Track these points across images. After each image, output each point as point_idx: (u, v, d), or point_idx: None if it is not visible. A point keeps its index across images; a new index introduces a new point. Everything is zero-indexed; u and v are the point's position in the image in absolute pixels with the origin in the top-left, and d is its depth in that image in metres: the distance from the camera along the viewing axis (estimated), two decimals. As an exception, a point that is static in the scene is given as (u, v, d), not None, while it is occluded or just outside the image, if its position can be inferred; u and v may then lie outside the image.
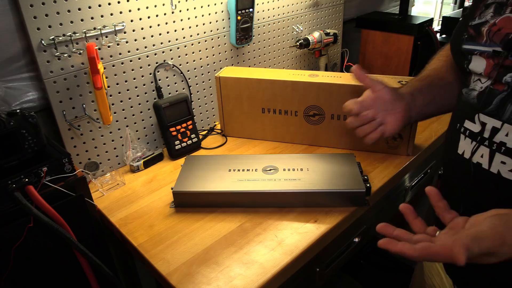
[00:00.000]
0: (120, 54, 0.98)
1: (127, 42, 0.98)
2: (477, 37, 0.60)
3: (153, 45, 1.04)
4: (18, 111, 0.70)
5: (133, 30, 0.98)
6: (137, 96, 1.05)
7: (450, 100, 0.78)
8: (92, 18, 0.90)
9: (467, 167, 0.62)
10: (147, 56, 1.04)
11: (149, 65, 1.05)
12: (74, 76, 0.91)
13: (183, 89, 1.16)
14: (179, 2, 1.05)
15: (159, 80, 1.09)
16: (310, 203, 0.86)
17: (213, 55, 1.20)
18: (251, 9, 1.17)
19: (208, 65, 1.19)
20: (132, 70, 1.02)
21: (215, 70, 1.21)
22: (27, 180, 0.68)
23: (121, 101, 1.02)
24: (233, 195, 0.86)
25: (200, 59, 1.17)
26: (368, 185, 0.87)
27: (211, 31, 1.16)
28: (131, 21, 0.97)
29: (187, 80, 1.16)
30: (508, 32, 0.55)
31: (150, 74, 1.06)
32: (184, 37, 1.10)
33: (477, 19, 0.61)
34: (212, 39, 1.17)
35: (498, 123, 0.56)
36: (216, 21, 1.16)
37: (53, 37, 0.85)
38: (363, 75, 0.74)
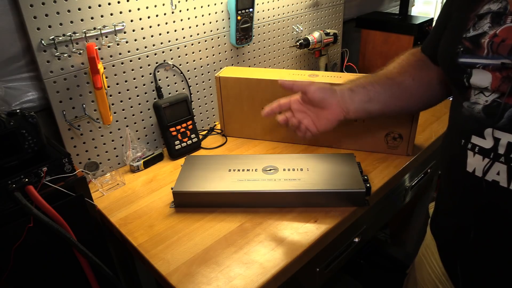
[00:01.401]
0: (120, 54, 0.98)
1: (127, 42, 0.98)
2: (476, 50, 0.57)
3: (153, 45, 1.04)
4: (18, 111, 0.70)
5: (133, 30, 0.98)
6: (137, 96, 1.05)
7: (396, 102, 0.79)
8: (92, 18, 0.90)
9: (479, 185, 0.58)
10: (147, 56, 1.04)
11: (149, 65, 1.05)
12: (74, 76, 0.91)
13: (183, 89, 1.16)
14: (179, 2, 1.05)
15: (159, 80, 1.09)
16: (310, 203, 0.86)
17: (213, 55, 1.20)
18: (251, 9, 1.17)
19: (208, 65, 1.19)
20: (132, 70, 1.02)
21: (215, 70, 1.21)
22: (27, 180, 0.68)
23: (121, 101, 1.02)
24: (233, 195, 0.86)
25: (200, 59, 1.17)
26: (368, 185, 0.87)
27: (211, 31, 1.16)
28: (131, 21, 0.97)
29: (187, 80, 1.16)
30: None
31: (150, 74, 1.06)
32: (184, 37, 1.10)
33: (472, 30, 0.58)
34: (212, 39, 1.17)
35: None
36: (216, 21, 1.16)
37: (53, 37, 0.85)
38: (289, 84, 0.78)
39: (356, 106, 0.78)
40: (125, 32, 0.97)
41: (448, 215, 0.70)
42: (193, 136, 1.12)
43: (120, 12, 0.94)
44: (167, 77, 1.11)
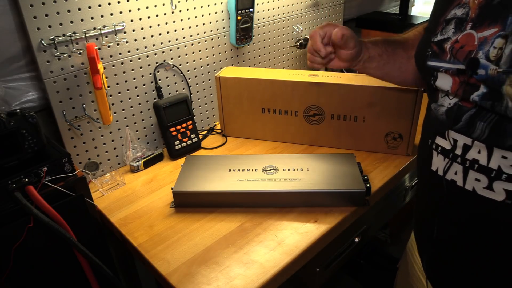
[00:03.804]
0: (120, 54, 0.98)
1: (127, 42, 0.98)
2: (441, 54, 0.59)
3: (153, 45, 1.04)
4: (18, 111, 0.69)
5: (133, 30, 0.98)
6: (137, 96, 1.05)
7: (395, 71, 0.84)
8: (92, 18, 0.90)
9: (440, 184, 0.61)
10: (147, 56, 1.04)
11: (149, 65, 1.05)
12: (74, 76, 0.91)
13: (183, 89, 1.16)
14: (179, 2, 1.05)
15: (159, 80, 1.09)
16: (310, 203, 0.86)
17: (213, 55, 1.20)
18: (251, 9, 1.17)
19: (208, 65, 1.19)
20: (132, 70, 1.02)
21: (215, 70, 1.21)
22: (27, 180, 0.68)
23: (121, 101, 1.02)
24: (233, 195, 0.86)
25: (200, 59, 1.17)
26: (368, 185, 0.87)
27: (211, 31, 1.16)
28: (131, 21, 0.97)
29: (187, 80, 1.16)
30: (471, 50, 0.53)
31: (150, 74, 1.06)
32: (184, 37, 1.10)
33: (439, 35, 0.60)
34: (212, 39, 1.17)
35: (469, 140, 0.55)
36: (216, 21, 1.16)
37: (53, 37, 0.85)
38: (340, 35, 0.77)
39: (366, 57, 0.82)
40: (125, 32, 0.97)
41: (420, 211, 0.73)
42: (193, 136, 1.12)
43: (120, 12, 0.94)
44: (167, 77, 1.11)
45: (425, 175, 0.67)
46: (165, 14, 1.03)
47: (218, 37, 1.18)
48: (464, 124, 0.55)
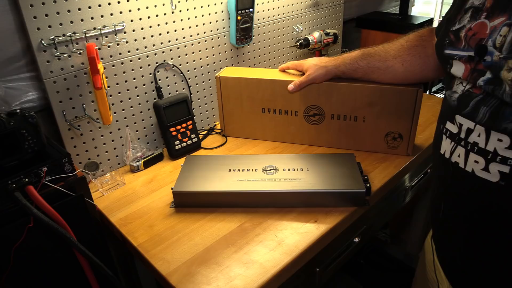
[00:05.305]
0: (120, 54, 0.98)
1: (127, 42, 0.98)
2: (457, 42, 0.61)
3: (153, 45, 1.04)
4: (18, 111, 0.70)
5: (133, 30, 0.98)
6: (137, 96, 1.05)
7: (377, 79, 0.97)
8: (92, 18, 0.90)
9: (447, 166, 0.65)
10: (147, 56, 1.04)
11: (149, 65, 1.05)
12: (74, 76, 0.91)
13: (183, 89, 1.16)
14: (179, 2, 1.05)
15: (159, 80, 1.09)
16: (310, 203, 0.86)
17: (213, 55, 1.20)
18: (251, 9, 1.17)
19: (208, 65, 1.19)
20: (132, 70, 1.02)
21: (215, 70, 1.21)
22: (27, 180, 0.68)
23: (121, 101, 1.02)
24: (233, 195, 0.86)
25: (200, 59, 1.17)
26: (368, 185, 0.87)
27: (211, 31, 1.16)
28: (131, 21, 0.97)
29: (187, 80, 1.16)
30: (482, 38, 0.56)
31: (150, 74, 1.06)
32: (184, 37, 1.10)
33: (457, 24, 0.62)
34: (212, 39, 1.17)
35: (472, 124, 0.58)
36: (216, 21, 1.16)
37: (53, 37, 0.85)
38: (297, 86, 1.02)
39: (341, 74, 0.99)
40: (125, 32, 0.97)
41: (432, 192, 0.77)
42: (193, 136, 1.12)
43: (120, 12, 0.94)
44: (167, 77, 1.11)
45: (436, 159, 0.70)
46: (165, 14, 1.03)
47: (218, 37, 1.18)
48: (471, 109, 0.58)
